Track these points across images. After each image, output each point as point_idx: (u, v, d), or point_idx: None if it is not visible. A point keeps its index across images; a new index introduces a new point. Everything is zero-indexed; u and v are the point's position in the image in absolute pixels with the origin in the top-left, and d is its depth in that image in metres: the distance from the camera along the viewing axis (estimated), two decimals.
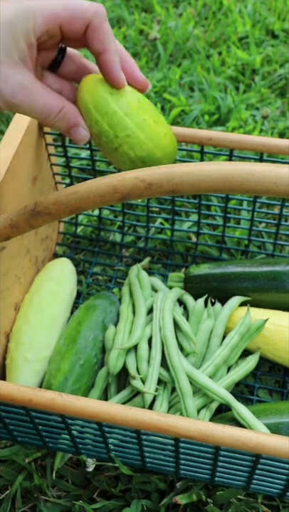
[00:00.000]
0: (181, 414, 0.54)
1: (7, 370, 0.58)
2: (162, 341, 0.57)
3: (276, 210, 0.76)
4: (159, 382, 0.56)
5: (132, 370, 0.55)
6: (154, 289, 0.66)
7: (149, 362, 0.56)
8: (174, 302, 0.61)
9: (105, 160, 0.68)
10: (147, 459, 0.50)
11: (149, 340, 0.59)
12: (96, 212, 0.76)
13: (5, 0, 0.41)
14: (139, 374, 0.55)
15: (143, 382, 0.55)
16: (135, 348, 0.58)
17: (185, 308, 0.64)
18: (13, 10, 0.41)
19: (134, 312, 0.62)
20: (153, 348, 0.57)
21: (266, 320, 0.59)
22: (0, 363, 0.59)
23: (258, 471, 0.46)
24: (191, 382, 0.54)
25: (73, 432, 0.48)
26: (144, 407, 0.54)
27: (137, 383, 0.54)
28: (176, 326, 0.59)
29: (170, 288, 0.66)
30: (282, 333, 0.59)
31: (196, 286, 0.65)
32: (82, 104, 0.46)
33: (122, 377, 0.59)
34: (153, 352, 0.56)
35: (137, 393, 0.56)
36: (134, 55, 1.05)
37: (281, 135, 0.89)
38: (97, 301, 0.63)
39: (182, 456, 0.47)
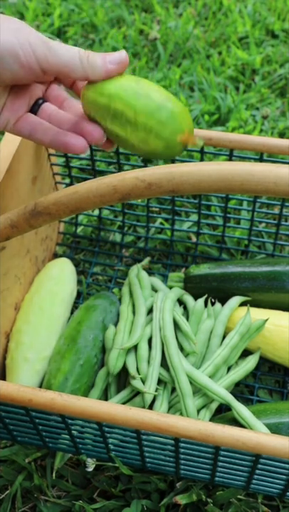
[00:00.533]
0: (181, 414, 0.54)
1: (7, 370, 0.58)
2: (162, 341, 0.57)
3: (276, 210, 0.76)
4: (159, 382, 0.56)
5: (132, 370, 0.55)
6: (154, 289, 0.66)
7: (149, 362, 0.56)
8: (174, 302, 0.61)
9: (105, 160, 0.68)
10: (147, 459, 0.50)
11: (149, 341, 0.59)
12: (96, 212, 0.76)
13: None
14: (139, 374, 0.55)
15: (143, 382, 0.55)
16: (135, 348, 0.58)
17: (185, 308, 0.64)
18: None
19: (134, 312, 0.62)
20: (153, 348, 0.57)
21: (266, 320, 0.59)
22: (0, 362, 0.59)
23: (257, 471, 0.46)
24: (191, 382, 0.54)
25: (73, 431, 0.48)
26: (144, 407, 0.54)
27: (136, 383, 0.54)
28: (176, 326, 0.59)
29: (170, 288, 0.66)
30: (282, 333, 0.59)
31: (196, 286, 0.65)
32: (97, 98, 0.44)
33: (122, 377, 0.59)
34: (153, 352, 0.56)
35: (137, 393, 0.56)
36: (134, 55, 1.05)
37: (281, 135, 0.89)
38: (97, 301, 0.63)
39: (182, 456, 0.47)
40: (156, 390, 0.55)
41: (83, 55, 0.43)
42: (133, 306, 0.62)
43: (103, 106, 0.44)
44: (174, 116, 0.43)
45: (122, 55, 0.44)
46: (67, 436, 0.49)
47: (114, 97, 0.44)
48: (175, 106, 0.44)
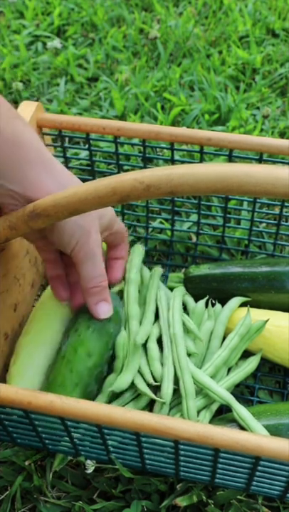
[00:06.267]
0: (182, 415, 0.54)
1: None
2: (171, 339, 0.57)
3: (276, 210, 0.76)
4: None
5: (148, 377, 0.55)
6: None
7: (162, 362, 0.56)
8: (182, 301, 0.61)
9: (105, 160, 0.68)
10: (147, 461, 0.50)
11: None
12: None
13: None
14: (152, 376, 0.55)
15: (156, 381, 0.55)
16: (145, 349, 0.57)
17: (185, 309, 0.64)
18: None
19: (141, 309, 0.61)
20: (165, 347, 0.57)
21: (266, 321, 0.59)
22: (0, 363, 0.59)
23: (257, 473, 0.46)
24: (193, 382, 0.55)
25: (72, 434, 0.48)
26: (145, 407, 0.54)
27: (144, 388, 0.54)
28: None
29: (170, 288, 0.66)
30: (283, 334, 0.59)
31: (195, 287, 0.65)
32: None
33: None
34: (165, 351, 0.56)
35: (138, 395, 0.56)
36: (134, 55, 1.05)
37: (282, 134, 0.88)
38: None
39: (182, 458, 0.46)
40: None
41: (97, 282, 0.52)
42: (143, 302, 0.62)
43: None
44: None
45: (107, 314, 0.54)
46: (67, 439, 0.49)
47: None
48: None
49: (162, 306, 0.60)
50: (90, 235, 0.50)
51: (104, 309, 0.54)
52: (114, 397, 0.57)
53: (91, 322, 0.55)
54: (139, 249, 0.62)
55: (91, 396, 0.55)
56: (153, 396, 0.54)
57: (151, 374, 0.56)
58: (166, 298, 0.61)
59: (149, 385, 0.56)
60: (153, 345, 0.57)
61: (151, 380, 0.55)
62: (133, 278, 0.60)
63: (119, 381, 0.54)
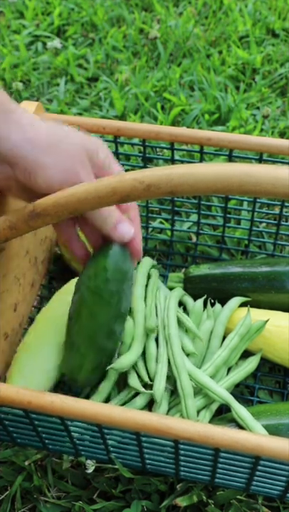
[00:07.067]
0: (181, 414, 0.54)
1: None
2: (166, 339, 0.57)
3: (276, 210, 0.76)
4: None
5: (143, 373, 0.56)
6: None
7: (157, 359, 0.56)
8: (178, 301, 0.61)
9: None
10: (147, 461, 0.50)
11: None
12: None
13: None
14: (148, 373, 0.56)
15: (151, 380, 0.55)
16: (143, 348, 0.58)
17: (185, 309, 0.64)
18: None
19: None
20: (160, 346, 0.57)
21: (266, 321, 0.59)
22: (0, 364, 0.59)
23: (257, 473, 0.46)
24: (192, 381, 0.54)
25: (73, 433, 0.48)
26: (144, 407, 0.54)
27: (135, 384, 0.54)
28: (179, 325, 0.59)
29: (170, 288, 0.66)
30: (282, 334, 0.59)
31: (195, 287, 0.65)
32: None
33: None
34: (161, 349, 0.57)
35: (136, 394, 0.56)
36: (134, 55, 1.05)
37: (282, 134, 0.88)
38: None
39: (182, 457, 0.46)
40: (166, 388, 0.55)
41: (108, 213, 0.48)
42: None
43: None
44: None
45: (130, 233, 0.50)
46: (67, 439, 0.49)
47: None
48: None
49: (160, 306, 0.60)
50: (78, 175, 0.47)
51: (124, 229, 0.50)
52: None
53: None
54: (148, 261, 0.64)
55: (106, 350, 0.55)
56: (142, 389, 0.54)
57: (147, 373, 0.56)
58: (164, 298, 0.61)
59: (146, 385, 0.56)
60: (151, 343, 0.57)
61: (146, 378, 0.55)
62: (140, 279, 0.61)
63: (123, 360, 0.55)
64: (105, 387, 0.57)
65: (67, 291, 0.63)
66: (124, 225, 0.50)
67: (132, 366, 0.57)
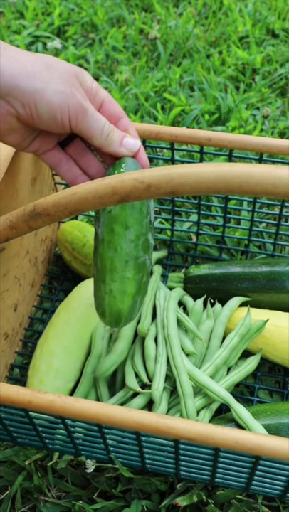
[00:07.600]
0: (181, 414, 0.54)
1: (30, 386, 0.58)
2: (166, 340, 0.57)
3: (276, 210, 0.76)
4: None
5: (142, 374, 0.56)
6: None
7: (156, 359, 0.57)
8: (177, 302, 0.61)
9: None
10: (147, 460, 0.50)
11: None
12: None
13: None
14: (146, 373, 0.56)
15: (150, 379, 0.55)
16: (142, 347, 0.58)
17: (185, 309, 0.64)
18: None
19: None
20: (159, 346, 0.57)
21: (266, 321, 0.59)
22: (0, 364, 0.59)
23: (257, 473, 0.46)
24: (191, 381, 0.55)
25: (73, 434, 0.48)
26: (144, 407, 0.54)
27: (133, 384, 0.55)
28: (179, 325, 0.59)
29: (170, 288, 0.66)
30: (283, 334, 0.59)
31: (195, 287, 0.65)
32: None
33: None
34: (160, 349, 0.57)
35: (135, 394, 0.56)
36: (134, 55, 1.05)
37: (282, 135, 0.89)
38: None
39: (182, 457, 0.46)
40: (164, 388, 0.55)
41: (107, 129, 0.48)
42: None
43: None
44: None
45: (137, 144, 0.51)
46: (68, 439, 0.49)
47: None
48: None
49: (160, 306, 0.60)
50: (76, 97, 0.46)
51: (130, 143, 0.51)
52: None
53: None
54: (158, 268, 0.65)
55: (145, 267, 0.51)
56: (139, 389, 0.54)
57: (146, 373, 0.57)
58: (164, 298, 0.61)
59: (144, 385, 0.56)
60: (150, 343, 0.57)
61: (146, 379, 0.55)
62: None
63: (103, 363, 0.57)
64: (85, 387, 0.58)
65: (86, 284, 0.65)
66: (129, 138, 0.51)
67: (130, 366, 0.57)
